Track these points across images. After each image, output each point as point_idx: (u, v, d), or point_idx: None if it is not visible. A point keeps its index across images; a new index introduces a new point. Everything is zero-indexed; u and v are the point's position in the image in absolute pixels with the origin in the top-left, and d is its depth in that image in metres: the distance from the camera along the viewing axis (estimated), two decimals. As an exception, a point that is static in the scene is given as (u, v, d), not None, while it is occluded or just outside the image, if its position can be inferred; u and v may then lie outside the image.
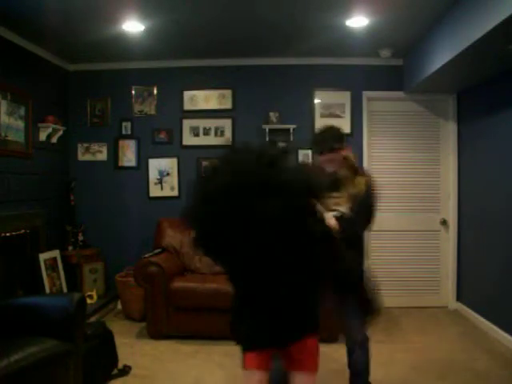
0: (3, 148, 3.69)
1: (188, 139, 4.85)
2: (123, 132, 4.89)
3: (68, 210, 4.72)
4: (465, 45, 3.13)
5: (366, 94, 4.74)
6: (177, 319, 3.84)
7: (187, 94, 4.84)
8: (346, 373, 3.18)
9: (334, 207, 2.47)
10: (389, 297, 4.80)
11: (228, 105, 4.83)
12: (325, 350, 3.57)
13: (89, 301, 4.23)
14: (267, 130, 4.70)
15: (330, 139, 2.58)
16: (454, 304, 4.75)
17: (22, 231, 3.87)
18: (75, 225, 4.68)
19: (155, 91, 4.86)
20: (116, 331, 3.41)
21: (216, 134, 4.83)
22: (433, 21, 3.64)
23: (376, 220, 4.94)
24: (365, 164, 4.72)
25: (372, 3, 3.32)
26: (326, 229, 1.82)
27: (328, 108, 4.77)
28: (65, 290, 4.26)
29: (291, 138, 4.73)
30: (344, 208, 2.54)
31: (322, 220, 1.79)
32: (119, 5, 3.35)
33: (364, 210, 2.71)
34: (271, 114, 4.73)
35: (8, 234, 3.65)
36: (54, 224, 4.48)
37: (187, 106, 4.85)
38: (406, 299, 4.78)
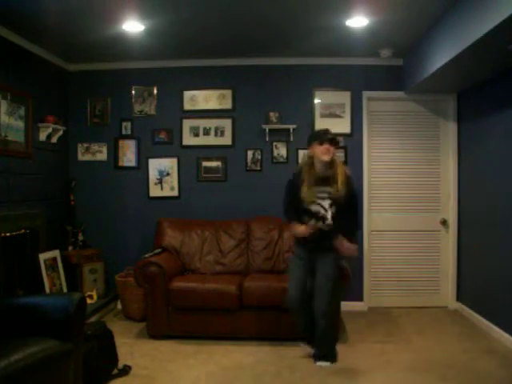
0: (3, 148, 3.69)
1: (188, 139, 4.85)
2: (123, 132, 4.89)
3: (68, 210, 4.72)
4: (465, 45, 3.13)
5: (365, 93, 4.74)
6: (177, 319, 3.83)
7: (187, 94, 4.84)
8: (346, 373, 3.19)
9: (320, 202, 3.15)
10: (389, 297, 4.82)
11: (228, 105, 4.83)
12: (325, 349, 3.57)
13: (89, 301, 4.23)
14: (267, 130, 4.70)
15: (331, 134, 3.21)
16: (454, 304, 4.75)
17: (22, 231, 3.87)
18: (75, 225, 4.68)
19: (155, 91, 4.86)
20: (116, 331, 3.41)
21: (216, 134, 4.83)
22: (433, 21, 3.64)
23: (376, 220, 4.98)
24: (365, 164, 4.73)
25: (372, 3, 3.32)
26: None
27: (328, 108, 4.77)
28: (65, 289, 4.27)
29: (291, 138, 4.73)
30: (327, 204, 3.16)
31: None
32: (119, 5, 3.35)
33: (347, 203, 3.19)
34: (271, 113, 4.73)
35: (8, 234, 3.65)
36: (54, 224, 4.48)
37: (187, 106, 4.85)
38: (406, 299, 4.78)
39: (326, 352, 3.31)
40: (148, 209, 4.86)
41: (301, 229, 3.17)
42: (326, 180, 3.16)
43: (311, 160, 3.21)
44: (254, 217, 4.56)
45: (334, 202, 3.14)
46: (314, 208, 3.15)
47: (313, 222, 3.17)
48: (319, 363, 3.28)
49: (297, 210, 3.24)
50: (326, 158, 3.12)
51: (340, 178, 3.14)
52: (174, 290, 3.82)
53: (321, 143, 3.13)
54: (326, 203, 3.14)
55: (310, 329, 3.33)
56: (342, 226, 3.16)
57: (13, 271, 3.71)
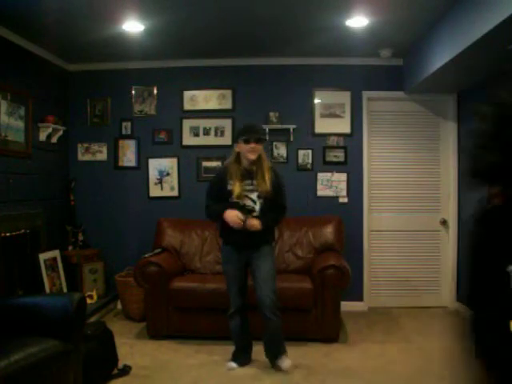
0: (3, 148, 3.69)
1: (188, 139, 4.85)
2: (123, 132, 4.88)
3: (68, 209, 4.72)
4: (465, 45, 3.13)
5: (366, 93, 4.74)
6: (177, 319, 3.83)
7: (187, 94, 4.84)
8: (346, 373, 3.19)
9: (247, 194, 3.13)
10: (389, 297, 4.82)
11: (228, 105, 4.83)
12: (325, 349, 3.59)
13: (89, 301, 4.23)
14: (267, 130, 4.70)
15: (259, 132, 3.23)
16: (454, 304, 4.74)
17: (22, 231, 3.86)
18: (75, 225, 4.68)
19: (155, 91, 4.86)
20: (116, 331, 3.41)
21: (216, 134, 4.83)
22: (433, 21, 3.64)
23: (376, 220, 4.96)
24: (365, 164, 4.73)
25: (372, 3, 3.32)
26: None
27: (328, 108, 4.77)
28: (65, 289, 4.27)
29: (291, 138, 4.73)
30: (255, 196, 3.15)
31: None
32: (119, 5, 3.35)
33: (274, 197, 3.19)
34: (271, 113, 4.73)
35: (8, 234, 3.65)
36: (54, 224, 4.48)
37: (187, 106, 4.84)
38: (406, 299, 4.78)
39: (280, 348, 3.24)
40: (148, 209, 4.86)
41: (233, 213, 3.06)
42: (251, 174, 3.16)
43: (238, 155, 3.18)
44: (254, 217, 4.55)
45: (261, 195, 3.14)
46: (243, 201, 3.13)
47: (241, 214, 3.09)
48: (284, 364, 3.18)
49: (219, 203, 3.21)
50: (253, 157, 3.11)
51: (266, 172, 3.14)
52: (174, 290, 3.82)
53: (246, 142, 3.09)
54: (254, 195, 3.14)
55: (244, 343, 3.37)
56: (266, 216, 3.16)
57: (13, 271, 3.71)
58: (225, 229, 3.21)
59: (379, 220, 4.81)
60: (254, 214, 3.13)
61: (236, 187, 3.11)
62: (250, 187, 3.15)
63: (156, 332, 3.86)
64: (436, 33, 3.71)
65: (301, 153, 4.76)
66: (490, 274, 1.48)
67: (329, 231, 4.29)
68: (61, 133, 4.58)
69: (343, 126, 4.75)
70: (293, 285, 3.77)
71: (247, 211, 3.12)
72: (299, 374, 3.16)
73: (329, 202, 4.71)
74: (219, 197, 3.19)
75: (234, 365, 3.28)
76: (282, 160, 4.76)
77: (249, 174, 3.16)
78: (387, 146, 4.81)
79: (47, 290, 4.01)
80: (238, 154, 3.18)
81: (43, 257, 4.08)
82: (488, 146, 1.48)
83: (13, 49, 3.89)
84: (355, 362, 3.37)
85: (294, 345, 3.60)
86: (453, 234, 4.74)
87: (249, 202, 3.14)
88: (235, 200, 3.12)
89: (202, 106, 4.84)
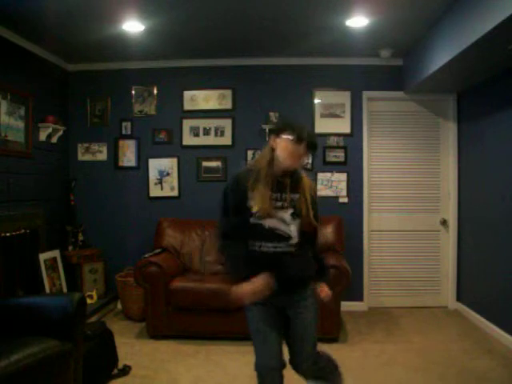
0: (3, 148, 3.69)
1: (188, 139, 4.85)
2: (123, 132, 4.88)
3: (68, 209, 4.72)
4: (465, 45, 3.13)
5: (366, 93, 4.74)
6: (177, 319, 3.83)
7: (187, 94, 4.84)
8: (346, 373, 3.18)
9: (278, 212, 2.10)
10: (389, 297, 4.82)
11: (228, 105, 4.83)
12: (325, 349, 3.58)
13: (89, 301, 4.23)
14: (267, 130, 4.70)
15: (314, 136, 2.19)
16: (454, 304, 4.75)
17: (22, 231, 3.87)
18: (75, 225, 4.68)
19: (155, 91, 4.86)
20: (116, 331, 3.41)
21: (216, 134, 4.83)
22: (433, 21, 3.64)
23: (376, 220, 4.98)
24: (365, 164, 4.73)
25: (372, 3, 3.32)
26: None
27: (328, 108, 4.77)
28: (65, 289, 4.27)
29: (291, 138, 4.71)
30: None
31: None
32: (119, 5, 3.35)
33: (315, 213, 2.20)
34: (271, 114, 4.73)
35: (8, 234, 3.65)
36: (54, 224, 4.48)
37: (187, 106, 4.84)
38: (406, 299, 4.78)
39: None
40: (148, 209, 4.86)
41: (252, 286, 2.04)
42: (282, 185, 2.11)
43: (272, 155, 2.10)
44: (254, 217, 4.55)
45: (298, 215, 2.11)
46: (270, 223, 2.08)
47: (267, 244, 2.10)
48: None
49: (239, 228, 2.13)
50: (295, 164, 2.10)
51: (307, 184, 2.17)
52: (174, 290, 3.82)
53: (298, 141, 2.03)
54: (287, 214, 2.10)
55: None
56: (311, 256, 2.21)
57: (13, 271, 3.71)
58: (249, 272, 2.09)
59: (379, 220, 4.81)
60: (290, 241, 2.11)
61: (259, 200, 2.06)
62: (280, 203, 2.09)
63: (156, 332, 3.86)
64: (436, 33, 3.72)
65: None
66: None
67: (329, 231, 4.29)
68: (61, 133, 4.58)
69: (343, 126, 4.75)
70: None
71: (276, 239, 2.09)
72: (299, 374, 3.16)
73: (329, 202, 4.71)
74: (236, 213, 2.13)
75: None
76: (282, 160, 4.76)
77: (278, 184, 2.10)
78: (387, 145, 4.81)
79: (47, 290, 4.01)
80: (273, 154, 2.10)
81: (43, 257, 4.08)
82: None
83: (13, 49, 3.89)
84: (355, 361, 3.37)
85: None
86: (453, 233, 4.75)
87: (280, 226, 2.09)
88: (258, 221, 2.08)
89: (202, 106, 4.84)
